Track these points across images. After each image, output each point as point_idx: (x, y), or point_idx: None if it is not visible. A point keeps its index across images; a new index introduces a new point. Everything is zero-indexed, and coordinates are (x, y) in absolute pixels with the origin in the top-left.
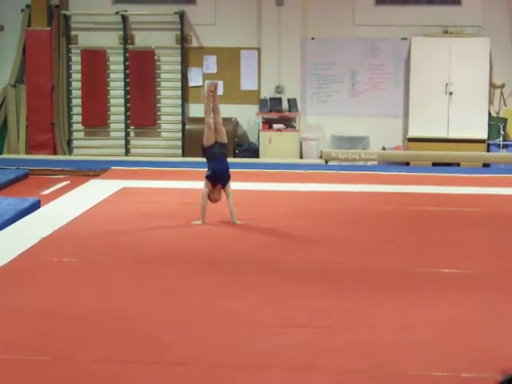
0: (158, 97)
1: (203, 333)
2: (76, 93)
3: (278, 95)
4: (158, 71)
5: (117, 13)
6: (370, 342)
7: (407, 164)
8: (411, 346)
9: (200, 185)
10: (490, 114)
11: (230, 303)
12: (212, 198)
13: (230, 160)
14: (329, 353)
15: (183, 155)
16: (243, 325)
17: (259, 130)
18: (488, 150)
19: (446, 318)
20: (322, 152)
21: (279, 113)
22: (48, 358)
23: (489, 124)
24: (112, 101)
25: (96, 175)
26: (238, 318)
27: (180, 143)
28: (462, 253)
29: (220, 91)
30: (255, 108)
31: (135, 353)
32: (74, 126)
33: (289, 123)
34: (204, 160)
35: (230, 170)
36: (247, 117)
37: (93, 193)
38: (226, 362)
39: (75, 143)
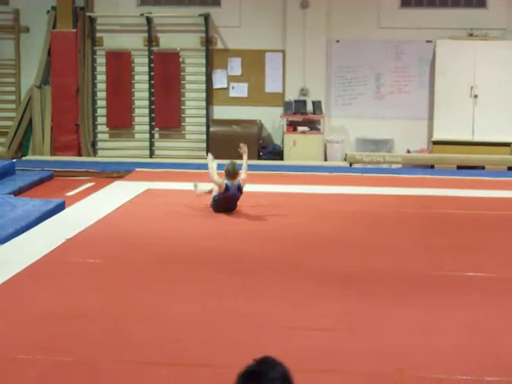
0: (183, 99)
1: (226, 335)
2: (101, 94)
3: (302, 97)
4: (182, 73)
5: (141, 15)
6: (394, 345)
7: (432, 167)
8: (435, 349)
9: None
10: None
11: (253, 305)
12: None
13: (254, 162)
14: (352, 356)
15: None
16: (266, 327)
17: (283, 133)
18: None
19: (471, 322)
20: (346, 155)
21: (304, 115)
22: (72, 358)
23: None
24: (136, 102)
25: (120, 177)
26: (260, 320)
27: (204, 145)
28: (487, 256)
29: (245, 93)
30: (280, 110)
31: (159, 354)
32: (99, 128)
33: (313, 126)
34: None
35: (254, 172)
36: (272, 119)
37: (117, 194)
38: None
39: (100, 145)
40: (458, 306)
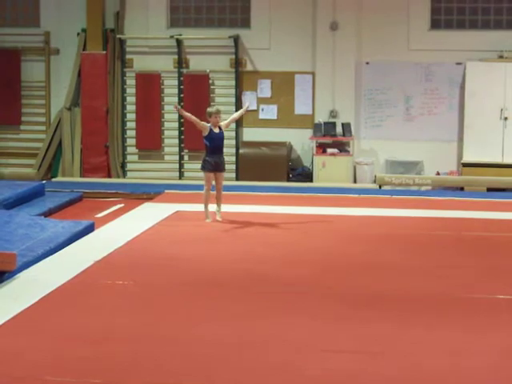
0: None
1: (255, 358)
2: (130, 116)
3: (332, 119)
4: (212, 95)
5: (171, 37)
6: (424, 368)
7: (462, 189)
8: (466, 372)
9: (255, 209)
10: None
11: (282, 328)
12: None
13: (283, 184)
14: (382, 379)
15: (237, 179)
16: (294, 350)
17: (313, 155)
18: None
19: (502, 345)
20: (375, 177)
21: (333, 137)
22: (99, 381)
23: None
24: (166, 124)
25: (150, 198)
26: (289, 343)
27: (234, 167)
28: None
29: (274, 115)
30: (309, 132)
31: (186, 377)
32: (128, 149)
33: (343, 147)
34: (259, 184)
35: (283, 194)
36: (301, 141)
37: (146, 216)
38: None
39: (129, 166)
40: (488, 328)
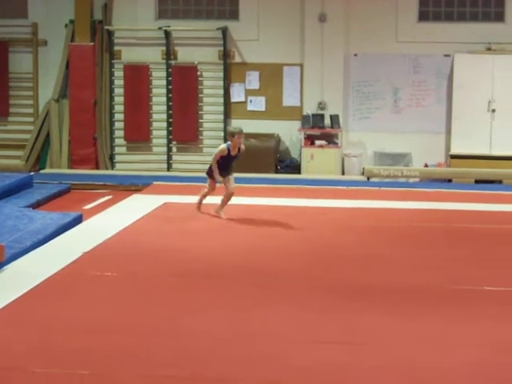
0: (200, 112)
1: (244, 349)
2: (118, 108)
3: (320, 111)
4: (200, 87)
5: (160, 28)
6: (411, 360)
7: (449, 181)
8: (453, 364)
9: (243, 201)
10: None
11: (272, 319)
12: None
13: (271, 175)
14: (370, 371)
15: None
16: (284, 341)
17: (301, 146)
18: None
19: (489, 337)
20: (364, 168)
21: (321, 129)
22: (87, 372)
23: None
24: (154, 116)
25: (138, 190)
26: (278, 334)
27: None
28: (505, 270)
29: (262, 107)
30: (297, 124)
31: (175, 369)
32: (117, 141)
33: (331, 139)
34: (247, 176)
35: (271, 186)
36: (289, 133)
37: (135, 208)
38: (266, 379)
39: (117, 158)
40: (476, 320)
